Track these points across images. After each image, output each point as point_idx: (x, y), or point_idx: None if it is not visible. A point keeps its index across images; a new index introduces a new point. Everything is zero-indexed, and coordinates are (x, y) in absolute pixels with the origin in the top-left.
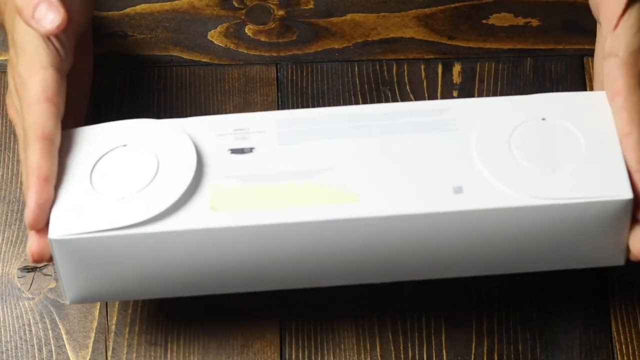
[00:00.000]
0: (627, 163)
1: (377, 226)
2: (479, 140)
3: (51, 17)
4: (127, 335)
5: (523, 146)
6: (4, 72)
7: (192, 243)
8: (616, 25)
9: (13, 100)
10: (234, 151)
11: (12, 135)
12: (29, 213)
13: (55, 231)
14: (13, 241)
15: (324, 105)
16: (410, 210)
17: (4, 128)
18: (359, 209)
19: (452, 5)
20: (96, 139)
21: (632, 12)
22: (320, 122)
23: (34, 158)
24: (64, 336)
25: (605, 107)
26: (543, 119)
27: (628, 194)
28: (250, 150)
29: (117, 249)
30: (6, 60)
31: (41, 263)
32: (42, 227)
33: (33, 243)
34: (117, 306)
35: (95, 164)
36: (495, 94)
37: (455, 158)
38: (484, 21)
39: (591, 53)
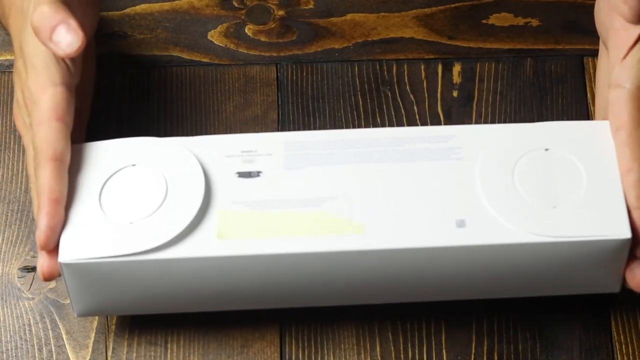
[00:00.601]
0: (627, 200)
1: (381, 257)
2: (483, 172)
3: (69, 40)
4: (127, 335)
5: (526, 179)
6: (3, 72)
7: (199, 269)
8: (625, 56)
9: (21, 113)
10: (242, 174)
11: (12, 135)
12: (41, 235)
13: (65, 255)
14: (13, 241)
15: (324, 105)
16: (413, 244)
17: (4, 128)
18: (364, 241)
19: (452, 5)
20: (105, 157)
21: None
22: (326, 146)
23: (45, 179)
24: (64, 336)
25: (608, 139)
26: (546, 150)
27: (627, 234)
28: (258, 174)
29: (125, 272)
30: (6, 60)
31: (51, 280)
32: (53, 248)
33: (44, 263)
34: None
35: (104, 183)
36: (495, 94)
37: (459, 189)
38: (484, 21)
39: (591, 53)
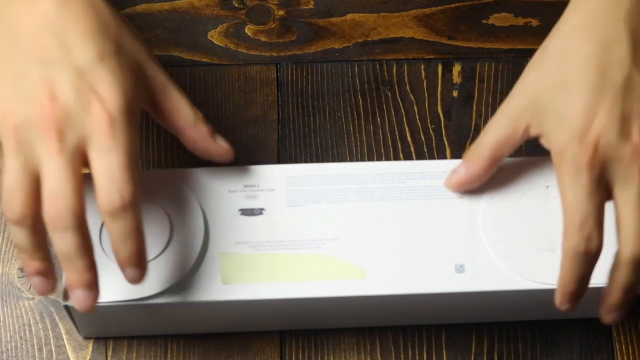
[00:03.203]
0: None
1: (380, 300)
2: (484, 213)
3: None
4: (127, 335)
5: (526, 221)
6: None
7: (202, 310)
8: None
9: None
10: (244, 212)
11: None
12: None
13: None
14: (12, 241)
15: (324, 105)
16: (413, 289)
17: None
18: (364, 287)
19: (452, 5)
20: None
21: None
22: (327, 182)
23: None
24: (64, 336)
25: None
26: (547, 187)
27: None
28: (260, 212)
29: (129, 313)
30: None
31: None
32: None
33: (90, 297)
34: None
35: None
36: (495, 94)
37: (459, 231)
38: (484, 21)
39: None
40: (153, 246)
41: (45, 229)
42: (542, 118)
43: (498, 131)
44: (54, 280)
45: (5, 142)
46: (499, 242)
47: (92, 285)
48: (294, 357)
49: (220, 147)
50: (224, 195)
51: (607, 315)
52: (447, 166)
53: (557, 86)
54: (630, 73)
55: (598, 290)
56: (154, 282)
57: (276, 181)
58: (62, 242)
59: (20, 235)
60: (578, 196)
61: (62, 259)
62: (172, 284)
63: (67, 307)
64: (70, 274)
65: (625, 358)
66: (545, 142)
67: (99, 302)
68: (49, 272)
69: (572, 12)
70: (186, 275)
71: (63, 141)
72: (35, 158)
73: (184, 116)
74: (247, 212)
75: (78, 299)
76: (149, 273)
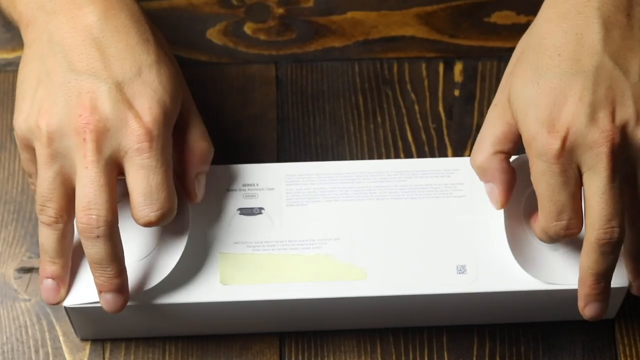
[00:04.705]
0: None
1: (381, 301)
2: (486, 212)
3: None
4: (124, 337)
5: (529, 219)
6: (6, 72)
7: (201, 311)
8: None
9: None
10: (243, 211)
11: (8, 136)
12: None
13: (67, 300)
14: (9, 242)
15: (323, 104)
16: (414, 291)
17: (0, 129)
18: (365, 288)
19: (454, 4)
20: None
21: None
22: (327, 181)
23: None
24: (60, 338)
25: None
26: None
27: (623, 283)
28: (260, 211)
29: (126, 314)
30: (3, 59)
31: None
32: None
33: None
34: None
35: None
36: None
37: (460, 231)
38: (486, 19)
39: None
40: (138, 246)
41: (73, 236)
42: (515, 107)
43: (493, 133)
44: (65, 292)
45: (39, 150)
46: (501, 242)
47: (122, 289)
48: (293, 359)
49: (201, 191)
50: (222, 194)
51: (585, 308)
52: (448, 164)
53: (528, 76)
54: (601, 61)
55: None
56: (139, 282)
57: (276, 180)
58: (94, 249)
59: (48, 238)
60: (551, 186)
61: (93, 265)
62: (152, 286)
63: (65, 309)
64: (100, 279)
65: None
66: (520, 131)
67: (91, 303)
68: (63, 280)
69: (547, 6)
70: (184, 276)
71: (99, 152)
72: (70, 167)
73: (200, 144)
74: (246, 211)
75: (107, 302)
76: (135, 273)
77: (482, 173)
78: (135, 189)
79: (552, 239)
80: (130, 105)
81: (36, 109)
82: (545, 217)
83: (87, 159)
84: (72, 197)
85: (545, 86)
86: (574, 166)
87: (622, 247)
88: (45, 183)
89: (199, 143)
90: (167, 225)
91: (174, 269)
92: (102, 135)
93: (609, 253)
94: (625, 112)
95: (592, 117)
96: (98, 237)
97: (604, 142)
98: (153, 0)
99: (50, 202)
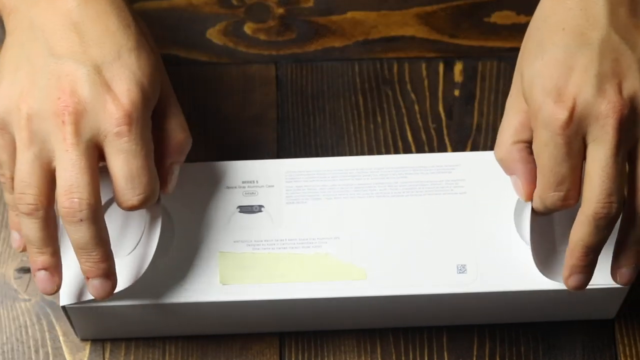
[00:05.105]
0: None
1: (381, 301)
2: (486, 210)
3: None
4: (124, 337)
5: (528, 218)
6: None
7: (200, 311)
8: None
9: None
10: (243, 209)
11: None
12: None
13: (65, 299)
14: (9, 242)
15: (324, 104)
16: (414, 291)
17: None
18: (365, 288)
19: (454, 4)
20: None
21: None
22: (327, 177)
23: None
24: (60, 338)
25: None
26: None
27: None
28: (259, 209)
29: (126, 314)
30: None
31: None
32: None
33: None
34: None
35: None
36: (497, 93)
37: (461, 229)
38: (486, 19)
39: None
40: (127, 242)
41: (56, 223)
42: (523, 86)
43: (511, 123)
44: (59, 279)
45: (18, 133)
46: (501, 242)
47: (109, 274)
48: (293, 359)
49: (173, 182)
50: (221, 191)
51: (570, 278)
52: (450, 159)
53: (533, 52)
54: (607, 34)
55: (600, 290)
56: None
57: (275, 177)
58: (78, 234)
59: (31, 228)
60: (554, 157)
61: (78, 251)
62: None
63: (64, 308)
64: (85, 264)
65: None
66: (527, 103)
67: (94, 303)
68: (55, 268)
69: None
70: (184, 275)
71: (79, 134)
72: (49, 150)
73: (178, 134)
74: (246, 209)
75: (95, 288)
76: (124, 267)
77: (505, 166)
78: (117, 174)
79: (548, 209)
80: (108, 87)
81: (17, 92)
82: (544, 186)
83: (66, 142)
84: (51, 182)
85: (550, 59)
86: (579, 138)
87: None
88: (24, 167)
89: (177, 133)
90: (152, 213)
91: (173, 268)
92: (80, 117)
93: (603, 228)
94: (633, 85)
95: (599, 88)
96: (81, 220)
97: (611, 114)
98: (153, 0)
99: (30, 187)
